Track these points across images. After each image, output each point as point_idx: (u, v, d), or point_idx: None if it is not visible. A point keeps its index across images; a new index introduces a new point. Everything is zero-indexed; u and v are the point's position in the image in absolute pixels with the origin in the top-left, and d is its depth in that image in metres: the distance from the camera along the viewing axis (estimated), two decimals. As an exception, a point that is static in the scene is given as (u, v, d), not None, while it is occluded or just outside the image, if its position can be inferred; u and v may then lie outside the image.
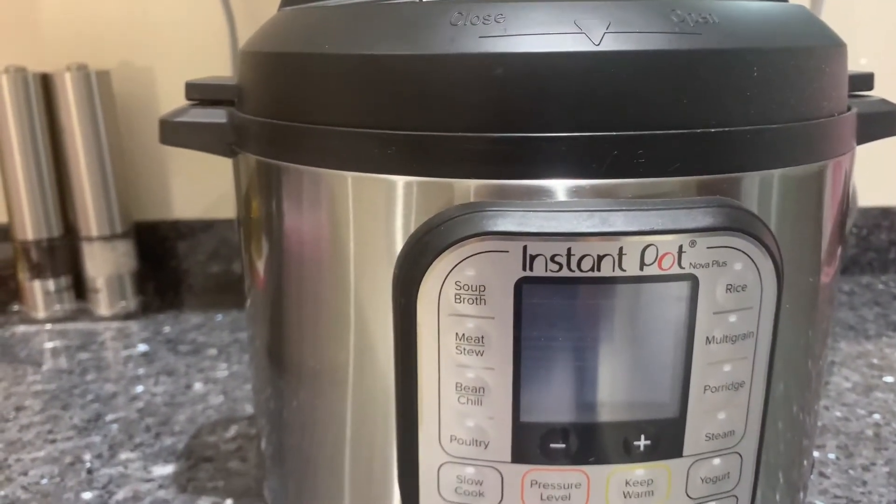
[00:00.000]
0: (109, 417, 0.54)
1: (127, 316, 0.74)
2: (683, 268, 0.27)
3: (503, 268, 0.27)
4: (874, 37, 0.76)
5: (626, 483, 0.29)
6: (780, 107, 0.28)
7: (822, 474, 0.46)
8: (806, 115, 0.29)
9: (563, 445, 0.29)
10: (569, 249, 0.26)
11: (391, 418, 0.30)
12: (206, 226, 0.78)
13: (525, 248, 0.26)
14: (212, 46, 0.73)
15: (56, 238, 0.72)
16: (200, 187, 0.78)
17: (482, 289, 0.27)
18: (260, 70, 0.32)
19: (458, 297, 0.27)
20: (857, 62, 0.73)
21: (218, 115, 0.34)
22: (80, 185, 0.70)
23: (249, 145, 0.33)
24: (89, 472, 0.48)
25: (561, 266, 0.26)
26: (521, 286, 0.27)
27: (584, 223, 0.26)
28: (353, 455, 0.33)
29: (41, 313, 0.73)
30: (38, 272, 0.72)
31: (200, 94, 0.35)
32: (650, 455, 0.29)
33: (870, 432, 0.51)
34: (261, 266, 0.35)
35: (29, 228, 0.71)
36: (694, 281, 0.27)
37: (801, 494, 0.36)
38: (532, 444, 0.29)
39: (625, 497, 0.29)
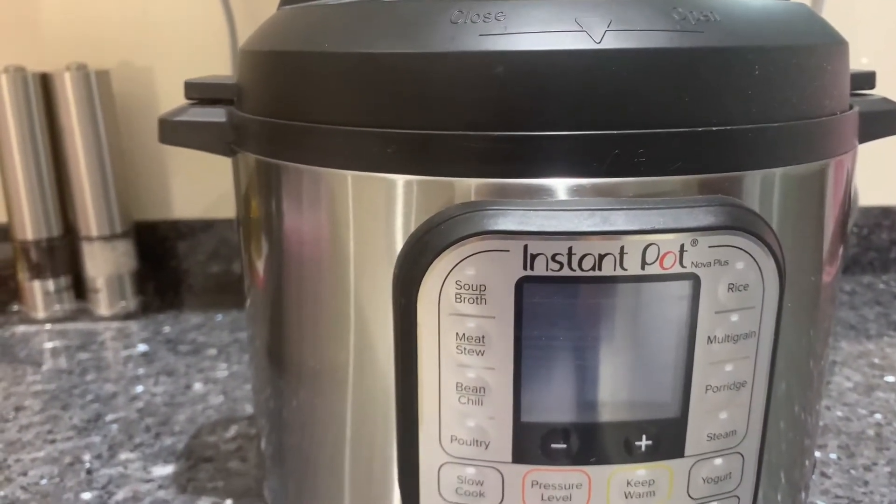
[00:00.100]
0: (109, 417, 0.54)
1: (127, 316, 0.74)
2: (685, 267, 0.27)
3: (504, 267, 0.27)
4: (876, 35, 0.76)
5: (628, 483, 0.29)
6: (782, 105, 0.28)
7: (823, 474, 0.46)
8: (807, 113, 0.29)
9: (564, 445, 0.29)
10: (570, 248, 0.26)
11: (391, 418, 0.30)
12: (206, 226, 0.78)
13: (526, 247, 0.26)
14: (212, 46, 0.73)
15: (56, 238, 0.72)
16: (200, 187, 0.78)
17: (483, 288, 0.27)
18: (259, 69, 0.32)
19: (458, 296, 0.27)
20: (858, 61, 0.73)
21: (217, 115, 0.34)
22: (79, 185, 0.70)
23: (249, 144, 0.33)
24: (89, 472, 0.47)
25: (562, 265, 0.26)
26: (521, 285, 0.27)
27: (586, 222, 0.26)
28: (353, 455, 0.33)
29: (41, 313, 0.73)
30: (37, 272, 0.72)
31: (200, 93, 0.35)
32: (651, 455, 0.29)
33: (871, 432, 0.51)
34: (260, 266, 0.34)
35: (29, 228, 0.71)
36: (695, 280, 0.27)
37: (803, 494, 0.36)
38: (533, 444, 0.29)
39: (626, 497, 0.29)
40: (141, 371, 0.62)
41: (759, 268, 0.28)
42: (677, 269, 0.27)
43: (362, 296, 0.30)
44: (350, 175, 0.29)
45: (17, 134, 0.68)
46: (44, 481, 0.46)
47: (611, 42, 0.26)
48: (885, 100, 0.36)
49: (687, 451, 0.29)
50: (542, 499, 0.29)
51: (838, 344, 0.65)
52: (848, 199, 0.33)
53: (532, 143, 0.26)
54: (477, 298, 0.27)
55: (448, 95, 0.27)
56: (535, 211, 0.26)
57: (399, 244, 0.28)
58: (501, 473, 0.29)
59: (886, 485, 0.45)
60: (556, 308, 0.27)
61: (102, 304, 0.73)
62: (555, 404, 0.28)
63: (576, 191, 0.26)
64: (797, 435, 0.34)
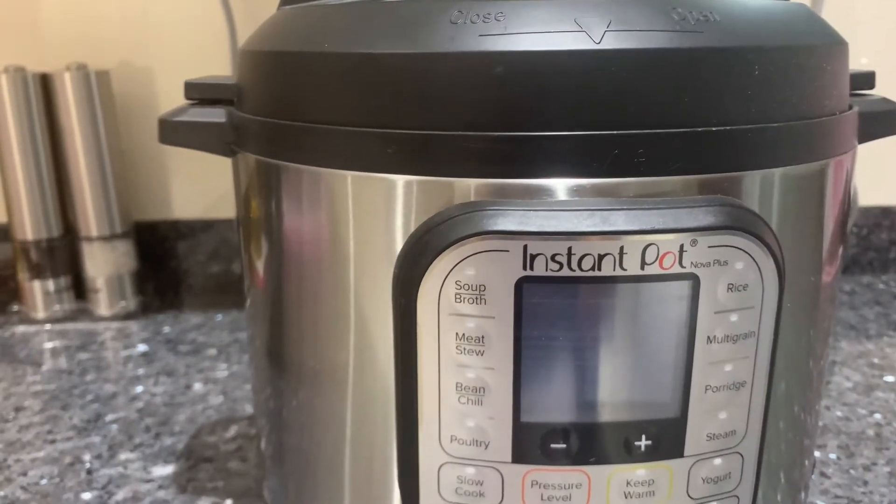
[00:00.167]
0: (109, 418, 0.54)
1: (127, 316, 0.74)
2: (684, 267, 0.27)
3: (503, 267, 0.27)
4: (875, 35, 0.76)
5: (627, 483, 0.29)
6: (781, 105, 0.28)
7: (823, 474, 0.46)
8: (807, 113, 0.29)
9: (564, 445, 0.29)
10: (569, 249, 0.26)
11: (391, 418, 0.30)
12: (206, 226, 0.78)
13: (525, 247, 0.26)
14: (211, 46, 0.73)
15: (56, 238, 0.72)
16: (200, 187, 0.78)
17: (482, 288, 0.27)
18: (259, 69, 0.32)
19: (458, 296, 0.27)
20: (858, 61, 0.73)
21: (217, 115, 0.34)
22: (79, 185, 0.70)
23: (249, 145, 0.33)
24: (89, 472, 0.47)
25: (561, 265, 0.26)
26: (521, 285, 0.27)
27: (585, 222, 0.26)
28: (353, 455, 0.33)
29: (41, 313, 0.73)
30: (37, 272, 0.72)
31: (200, 93, 0.35)
32: (651, 455, 0.29)
33: (871, 432, 0.51)
34: (260, 266, 0.35)
35: (28, 228, 0.71)
36: (695, 280, 0.27)
37: (803, 494, 0.36)
38: (532, 444, 0.29)
39: (626, 497, 0.29)
40: (141, 371, 0.62)
41: (759, 268, 0.28)
42: (677, 269, 0.27)
43: (362, 296, 0.30)
44: (350, 175, 0.29)
45: (17, 134, 0.68)
46: (44, 481, 0.46)
47: (610, 42, 0.26)
48: (885, 100, 0.36)
49: (686, 451, 0.29)
50: (542, 499, 0.29)
51: (838, 344, 0.65)
52: (847, 200, 0.33)
53: (532, 143, 0.26)
54: (477, 298, 0.27)
55: (448, 96, 0.27)
56: (534, 211, 0.26)
57: (399, 244, 0.28)
58: (501, 473, 0.29)
59: (886, 485, 0.45)
60: (555, 308, 0.27)
61: (102, 305, 0.73)
62: (554, 404, 0.28)
63: (575, 191, 0.26)
64: (797, 435, 0.34)
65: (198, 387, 0.59)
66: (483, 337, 0.28)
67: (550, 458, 0.29)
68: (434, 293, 0.27)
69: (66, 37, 0.73)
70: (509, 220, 0.26)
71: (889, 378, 0.58)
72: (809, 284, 0.31)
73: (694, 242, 0.26)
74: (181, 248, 0.79)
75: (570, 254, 0.26)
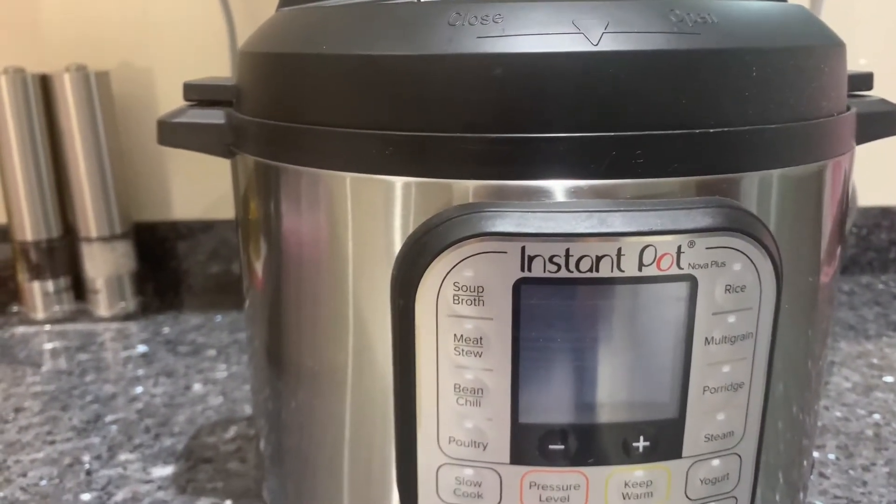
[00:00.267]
0: (109, 418, 0.54)
1: (126, 317, 0.74)
2: (682, 268, 0.27)
3: (502, 268, 0.27)
4: (874, 36, 0.76)
5: (626, 484, 0.29)
6: (779, 107, 0.28)
7: (821, 475, 0.46)
8: (805, 115, 0.29)
9: (562, 447, 0.29)
10: (567, 250, 0.26)
11: (390, 419, 0.30)
12: (205, 226, 0.78)
13: (523, 248, 0.26)
14: (211, 47, 0.73)
15: (55, 239, 0.72)
16: (200, 188, 0.78)
17: (481, 290, 0.27)
18: (258, 71, 0.32)
19: (456, 297, 0.27)
20: (856, 62, 0.73)
21: (216, 116, 0.34)
22: (79, 186, 0.70)
23: (247, 146, 0.33)
24: (88, 473, 0.47)
25: (559, 267, 0.26)
26: (519, 287, 0.27)
27: (583, 224, 0.26)
28: (351, 456, 0.33)
29: (40, 314, 0.73)
30: (37, 273, 0.72)
31: (199, 94, 0.35)
32: (649, 456, 0.29)
33: (870, 432, 0.51)
34: (259, 267, 0.35)
35: (28, 229, 0.71)
36: (693, 281, 0.27)
37: (801, 495, 0.36)
38: (531, 445, 0.29)
39: (624, 498, 0.29)
40: (140, 372, 0.62)
41: (757, 269, 0.28)
42: (674, 271, 0.27)
43: (361, 297, 0.30)
44: (349, 177, 0.29)
45: (16, 135, 0.68)
46: (43, 482, 0.47)
47: (608, 44, 0.26)
48: (883, 101, 0.36)
49: (685, 452, 0.29)
50: (541, 500, 0.29)
51: (837, 344, 0.65)
52: (845, 200, 0.33)
53: (530, 144, 0.26)
54: (475, 300, 0.27)
55: (446, 97, 0.27)
56: (532, 213, 0.26)
57: (397, 245, 0.28)
58: (499, 474, 0.29)
59: (885, 485, 0.45)
60: (553, 309, 0.27)
61: (102, 305, 0.73)
62: (553, 405, 0.28)
63: (573, 192, 0.26)
64: (795, 435, 0.34)
65: (197, 387, 0.59)
66: (481, 338, 0.28)
67: (549, 460, 0.29)
68: (432, 294, 0.27)
69: (65, 37, 0.74)
70: (507, 222, 0.26)
71: (888, 378, 0.58)
72: (807, 285, 0.31)
73: (692, 244, 0.26)
74: (181, 248, 0.79)
75: (567, 255, 0.26)
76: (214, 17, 0.71)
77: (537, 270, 0.26)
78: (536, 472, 0.29)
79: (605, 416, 0.29)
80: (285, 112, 0.30)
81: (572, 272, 0.26)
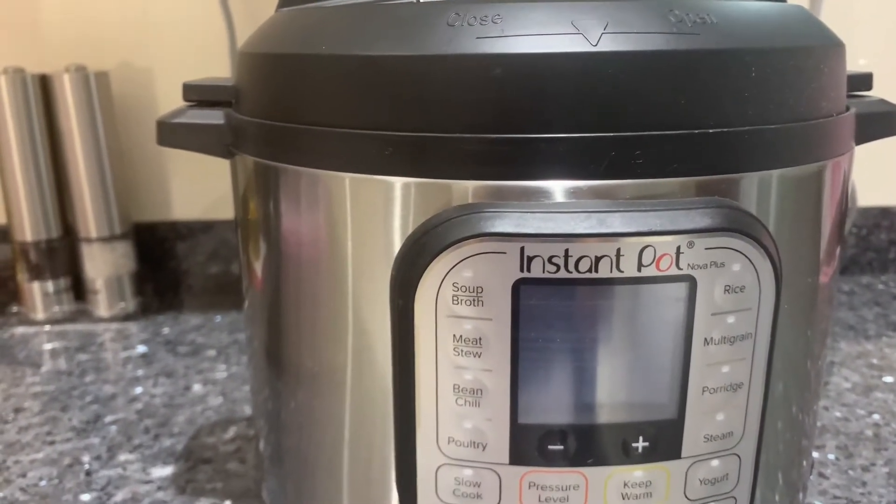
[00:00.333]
0: (108, 419, 0.54)
1: (126, 317, 0.74)
2: (681, 269, 0.27)
3: (501, 269, 0.27)
4: (873, 37, 0.76)
5: (625, 485, 0.29)
6: (779, 107, 0.28)
7: (821, 475, 0.46)
8: (804, 115, 0.29)
9: (562, 447, 0.29)
10: (566, 251, 0.26)
11: (389, 420, 0.30)
12: (205, 227, 0.78)
13: (522, 249, 0.26)
14: (211, 47, 0.73)
15: (55, 239, 0.72)
16: (200, 188, 0.78)
17: (480, 290, 0.27)
18: (257, 71, 0.32)
19: (455, 298, 0.27)
20: (855, 62, 0.73)
21: (215, 117, 0.34)
22: (78, 187, 0.70)
23: (247, 146, 0.33)
24: (88, 473, 0.47)
25: (558, 267, 0.26)
26: (518, 287, 0.27)
27: (582, 224, 0.26)
28: (351, 457, 0.33)
29: (40, 314, 0.73)
30: (37, 273, 0.72)
31: (198, 95, 0.35)
32: (648, 457, 0.29)
33: (869, 433, 0.51)
34: (259, 267, 0.35)
35: (28, 230, 0.71)
36: (692, 282, 0.27)
37: (801, 495, 0.36)
38: (530, 445, 0.29)
39: (623, 499, 0.29)
40: (140, 372, 0.62)
41: (756, 269, 0.28)
42: (674, 271, 0.27)
43: (360, 297, 0.30)
44: (348, 177, 0.29)
45: (16, 135, 0.68)
46: (43, 483, 0.47)
47: (607, 44, 0.26)
48: (883, 101, 0.36)
49: (684, 453, 0.29)
50: (540, 500, 0.29)
51: (837, 344, 0.65)
52: (845, 201, 0.33)
53: (529, 145, 0.26)
54: (474, 300, 0.27)
55: (445, 98, 0.27)
56: (531, 213, 0.26)
57: (397, 246, 0.28)
58: (499, 475, 0.29)
59: (884, 485, 0.45)
60: (552, 310, 0.27)
61: (102, 306, 0.73)
62: (552, 406, 0.28)
63: (573, 193, 0.26)
64: (795, 436, 0.34)
65: (197, 388, 0.59)
66: (480, 339, 0.28)
67: (548, 460, 0.29)
68: (432, 295, 0.27)
69: (65, 38, 0.74)
70: (506, 222, 0.26)
71: (888, 379, 0.58)
72: (807, 285, 0.31)
73: (691, 244, 0.26)
74: (180, 249, 0.79)
75: (567, 256, 0.26)
76: (214, 17, 0.71)
77: (536, 271, 0.26)
78: (536, 473, 0.29)
79: (604, 416, 0.29)
80: (285, 112, 0.30)
81: (571, 273, 0.26)
